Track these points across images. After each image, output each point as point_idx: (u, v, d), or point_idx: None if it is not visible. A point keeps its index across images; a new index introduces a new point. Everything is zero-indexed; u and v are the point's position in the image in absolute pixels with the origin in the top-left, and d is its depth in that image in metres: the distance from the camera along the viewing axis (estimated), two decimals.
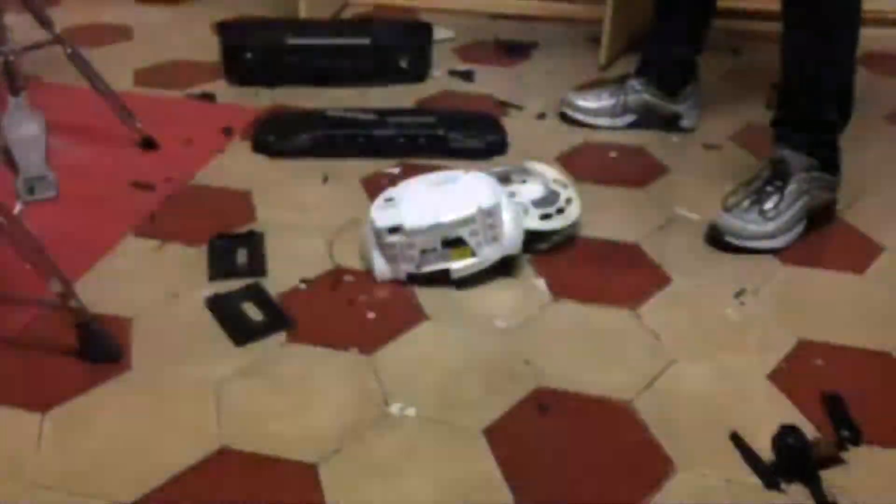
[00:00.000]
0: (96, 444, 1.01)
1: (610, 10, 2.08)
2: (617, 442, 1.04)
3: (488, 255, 1.28)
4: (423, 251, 1.27)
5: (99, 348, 1.13)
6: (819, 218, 1.43)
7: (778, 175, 1.39)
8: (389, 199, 1.32)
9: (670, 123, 1.78)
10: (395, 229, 1.26)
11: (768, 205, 1.37)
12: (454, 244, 1.27)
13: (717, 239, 1.39)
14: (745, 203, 1.39)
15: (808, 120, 1.42)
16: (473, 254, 1.28)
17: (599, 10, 2.14)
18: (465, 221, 1.26)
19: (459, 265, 1.28)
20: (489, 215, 1.26)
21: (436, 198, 1.31)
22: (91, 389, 1.08)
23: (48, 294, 1.10)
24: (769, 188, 1.39)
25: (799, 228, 1.40)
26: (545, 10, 2.10)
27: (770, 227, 1.37)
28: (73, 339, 1.12)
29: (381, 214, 1.29)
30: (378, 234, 1.27)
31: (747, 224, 1.37)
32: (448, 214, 1.26)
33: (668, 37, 1.54)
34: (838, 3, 1.34)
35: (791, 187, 1.38)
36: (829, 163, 1.43)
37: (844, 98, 1.41)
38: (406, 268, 1.28)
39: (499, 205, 1.27)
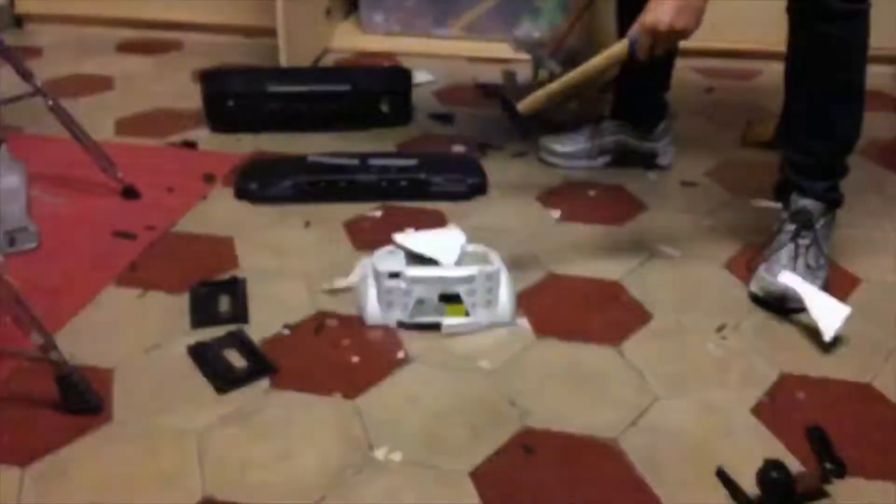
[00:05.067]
0: (78, 497, 1.00)
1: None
2: (603, 481, 1.03)
3: (481, 318, 1.30)
4: (420, 301, 1.28)
5: (80, 400, 1.12)
6: None
7: (804, 226, 1.38)
8: (392, 252, 1.34)
9: (647, 162, 1.81)
10: (395, 274, 1.28)
11: (811, 260, 1.36)
12: (451, 300, 1.28)
13: (779, 307, 1.34)
14: (786, 261, 1.36)
15: (826, 167, 1.41)
16: (467, 314, 1.29)
17: None
18: (466, 279, 1.28)
19: (452, 322, 1.29)
20: (489, 279, 1.29)
21: (439, 252, 1.34)
22: (72, 442, 1.07)
23: (28, 346, 1.09)
24: (802, 241, 1.37)
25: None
26: (520, 53, 2.16)
27: (819, 282, 1.35)
28: (54, 392, 1.11)
29: (384, 260, 1.31)
30: (378, 276, 1.28)
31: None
32: (450, 270, 1.29)
33: (638, 78, 1.58)
34: (857, 46, 1.32)
35: (819, 236, 1.38)
36: (838, 202, 1.43)
37: (856, 137, 1.40)
38: (398, 315, 1.29)
39: (499, 272, 1.30)
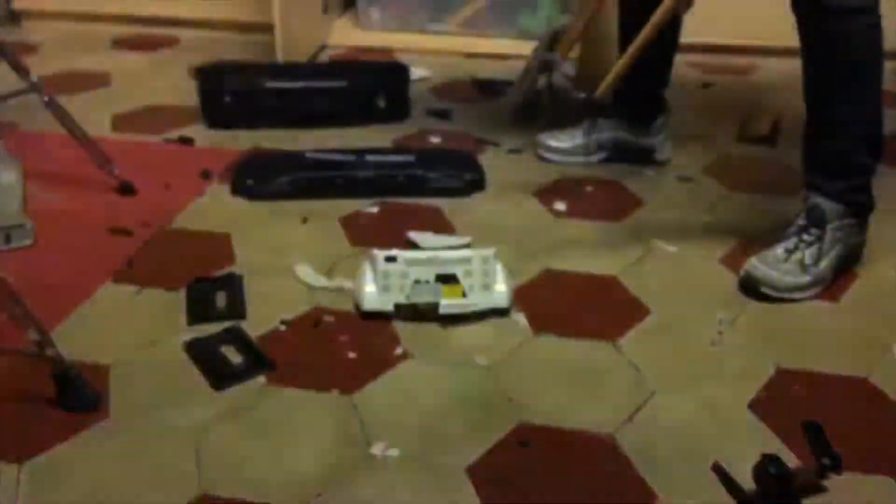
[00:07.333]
0: (75, 494, 1.00)
1: (578, 49, 2.13)
2: (600, 476, 1.04)
3: (478, 300, 1.30)
4: (417, 281, 1.29)
5: (76, 397, 1.11)
6: (847, 261, 1.41)
7: (813, 223, 1.36)
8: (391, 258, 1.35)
9: (644, 157, 1.81)
10: (392, 258, 1.30)
11: (807, 256, 1.34)
12: (447, 280, 1.30)
13: (752, 289, 1.35)
14: (780, 252, 1.36)
15: (840, 165, 1.38)
16: (464, 294, 1.30)
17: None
18: (462, 261, 1.32)
19: (449, 302, 1.29)
20: (485, 262, 1.32)
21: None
22: (69, 439, 1.07)
23: (25, 343, 1.09)
24: (806, 237, 1.36)
25: (831, 276, 1.38)
26: (518, 49, 2.16)
27: (807, 279, 1.34)
28: (51, 388, 1.11)
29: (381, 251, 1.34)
30: (374, 261, 1.30)
31: (784, 276, 1.33)
32: (446, 251, 1.34)
33: (636, 74, 1.58)
34: (858, 42, 1.31)
35: (827, 237, 1.36)
36: (862, 207, 1.40)
37: (875, 138, 1.37)
38: (396, 297, 1.29)
39: (495, 257, 1.33)
